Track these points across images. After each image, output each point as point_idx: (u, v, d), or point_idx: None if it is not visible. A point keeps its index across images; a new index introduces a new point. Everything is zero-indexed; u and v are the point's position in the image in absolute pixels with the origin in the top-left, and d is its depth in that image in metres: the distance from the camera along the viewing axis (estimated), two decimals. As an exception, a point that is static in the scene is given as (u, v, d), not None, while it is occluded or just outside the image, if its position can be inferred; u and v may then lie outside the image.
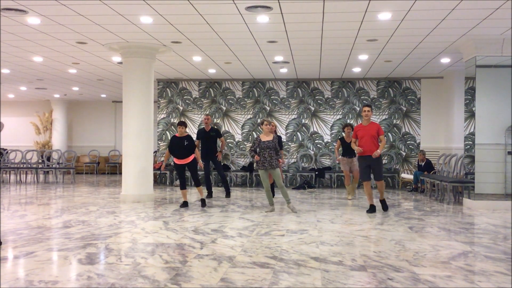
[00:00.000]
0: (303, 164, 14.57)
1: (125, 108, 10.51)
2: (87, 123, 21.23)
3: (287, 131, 14.68)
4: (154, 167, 12.38)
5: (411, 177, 13.31)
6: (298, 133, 14.67)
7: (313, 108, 14.61)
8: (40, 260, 5.02)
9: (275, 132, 10.90)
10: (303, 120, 14.62)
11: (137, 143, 10.28)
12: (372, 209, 8.67)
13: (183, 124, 9.43)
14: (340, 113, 14.53)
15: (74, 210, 8.89)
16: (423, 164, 12.77)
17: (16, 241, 5.96)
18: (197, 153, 9.46)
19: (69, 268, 4.76)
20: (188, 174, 10.53)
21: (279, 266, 4.77)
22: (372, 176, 8.83)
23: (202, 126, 11.51)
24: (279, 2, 7.33)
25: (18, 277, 4.42)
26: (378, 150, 8.46)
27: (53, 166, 16.41)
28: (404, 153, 14.33)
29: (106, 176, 18.33)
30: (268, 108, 14.76)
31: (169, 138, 14.82)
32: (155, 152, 14.35)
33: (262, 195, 11.62)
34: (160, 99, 15.13)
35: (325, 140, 14.52)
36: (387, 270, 4.65)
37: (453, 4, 7.40)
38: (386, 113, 14.39)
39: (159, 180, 14.84)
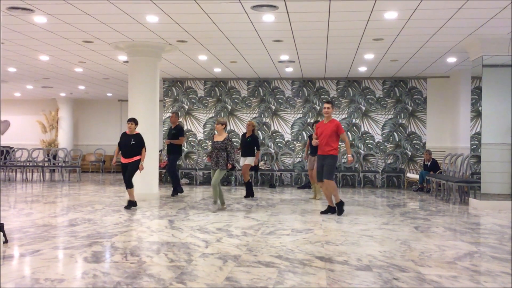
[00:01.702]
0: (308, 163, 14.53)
1: (131, 106, 10.54)
2: (93, 122, 21.29)
3: (293, 130, 14.67)
4: (159, 166, 12.41)
5: (417, 176, 13.27)
6: (303, 132, 14.65)
7: (318, 108, 14.59)
8: (46, 258, 5.04)
9: (253, 131, 11.01)
10: (309, 119, 14.60)
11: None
12: (329, 210, 8.38)
13: (132, 120, 9.09)
14: (346, 112, 14.50)
15: (80, 208, 8.92)
16: (429, 163, 12.73)
17: (22, 239, 5.99)
18: (143, 155, 9.00)
19: (75, 266, 4.78)
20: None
21: (284, 266, 4.77)
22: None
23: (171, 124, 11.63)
24: (285, 1, 7.32)
25: (24, 275, 4.44)
26: (349, 156, 8.19)
27: (59, 164, 16.48)
28: (410, 153, 14.28)
29: (112, 175, 18.38)
30: (273, 107, 14.75)
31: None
32: (160, 151, 14.38)
33: (267, 195, 11.63)
34: (165, 98, 15.15)
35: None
36: (393, 270, 4.64)
37: (460, 4, 7.37)
38: (392, 112, 14.36)
39: (164, 179, 14.86)
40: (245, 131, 11.54)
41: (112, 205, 9.44)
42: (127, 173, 8.97)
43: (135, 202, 9.11)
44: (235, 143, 12.95)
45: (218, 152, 8.67)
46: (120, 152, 9.10)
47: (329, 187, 8.26)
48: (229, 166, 8.64)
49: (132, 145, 8.91)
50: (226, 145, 8.66)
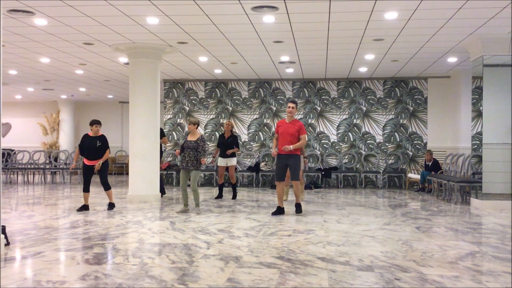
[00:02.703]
0: (309, 164, 14.55)
1: (131, 108, 10.55)
2: (94, 124, 21.26)
3: (294, 131, 14.65)
4: (160, 168, 12.41)
5: (418, 177, 13.26)
6: (304, 133, 14.62)
7: (319, 108, 14.59)
8: (47, 260, 5.04)
9: (231, 131, 10.87)
10: (309, 120, 14.60)
11: (144, 144, 10.30)
12: (279, 211, 8.30)
13: (97, 123, 9.06)
14: (347, 113, 14.50)
15: (81, 210, 8.92)
16: (430, 164, 12.72)
17: (23, 242, 6.00)
18: (107, 155, 8.99)
19: (76, 268, 4.78)
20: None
21: (286, 266, 4.77)
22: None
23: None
24: (285, 2, 7.33)
25: (26, 277, 4.44)
26: (290, 146, 7.99)
27: (60, 166, 16.49)
28: (411, 153, 14.27)
29: (113, 177, 18.39)
30: (274, 108, 14.75)
31: (176, 138, 14.90)
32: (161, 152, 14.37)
33: (268, 196, 11.63)
34: (166, 100, 15.16)
35: (331, 140, 14.49)
36: (394, 270, 4.64)
37: (460, 3, 7.36)
38: (393, 112, 14.35)
39: (165, 181, 14.86)
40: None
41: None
42: (103, 176, 8.97)
43: (114, 204, 9.20)
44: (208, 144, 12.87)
45: (191, 152, 8.50)
46: (82, 155, 9.00)
47: (300, 187, 8.33)
48: (203, 162, 8.56)
49: (98, 147, 8.90)
50: (199, 145, 8.50)
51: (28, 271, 4.69)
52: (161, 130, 11.15)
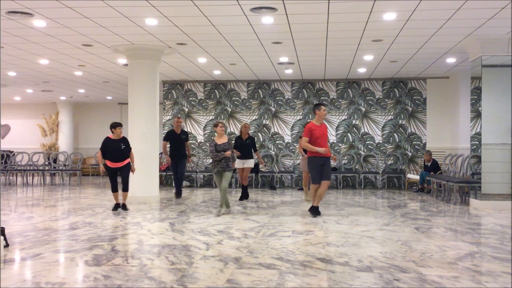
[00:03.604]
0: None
1: (130, 110, 10.55)
2: (93, 125, 21.29)
3: (293, 132, 14.67)
4: (160, 169, 12.41)
5: (417, 177, 13.27)
6: (303, 134, 14.64)
7: (318, 109, 14.58)
8: (47, 261, 5.04)
9: (248, 133, 10.92)
10: (308, 121, 14.59)
11: (143, 145, 10.29)
12: (317, 211, 8.39)
13: (120, 125, 9.10)
14: (346, 113, 14.51)
15: (81, 212, 8.92)
16: (429, 164, 12.73)
17: (23, 243, 5.99)
18: (133, 157, 9.16)
19: (75, 269, 4.78)
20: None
21: (285, 267, 4.77)
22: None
23: (172, 128, 11.61)
24: (283, 3, 7.33)
25: (25, 279, 4.44)
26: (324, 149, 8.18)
27: (60, 168, 16.48)
28: (410, 154, 14.28)
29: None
30: (273, 109, 14.75)
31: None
32: (160, 153, 14.37)
33: (267, 197, 11.63)
34: (165, 101, 15.16)
35: (330, 141, 14.49)
36: (394, 271, 4.64)
37: (459, 4, 7.37)
38: (392, 113, 14.36)
39: (164, 182, 14.86)
40: (249, 132, 11.24)
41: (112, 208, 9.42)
42: (125, 177, 9.06)
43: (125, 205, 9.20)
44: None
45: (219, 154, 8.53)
46: (105, 158, 8.97)
47: (326, 188, 8.33)
48: (234, 165, 8.58)
49: (123, 149, 8.96)
50: (231, 146, 8.59)
51: (28, 273, 4.69)
52: (187, 134, 11.50)
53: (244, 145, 10.73)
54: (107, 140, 9.03)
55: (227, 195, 8.65)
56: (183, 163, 11.43)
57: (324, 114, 8.50)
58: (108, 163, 8.96)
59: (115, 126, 9.05)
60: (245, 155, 10.66)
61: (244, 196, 10.80)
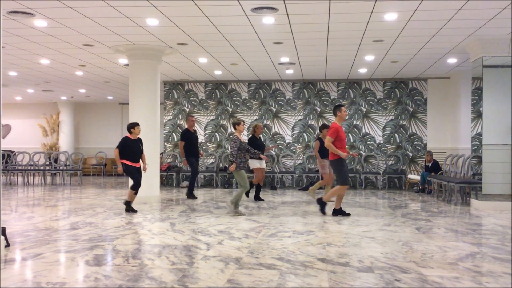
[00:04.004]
0: (309, 165, 14.55)
1: (131, 110, 10.54)
2: (94, 125, 21.31)
3: (293, 132, 14.68)
4: (160, 169, 12.41)
5: (418, 178, 13.26)
6: (304, 134, 14.66)
7: (319, 109, 14.60)
8: (47, 261, 5.04)
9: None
10: (309, 121, 14.61)
11: (144, 145, 10.27)
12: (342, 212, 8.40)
13: (138, 125, 9.07)
14: (347, 114, 14.47)
15: (81, 211, 8.93)
16: (430, 164, 12.72)
17: (23, 243, 5.99)
18: (144, 157, 9.14)
19: (76, 269, 4.78)
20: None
21: (286, 268, 4.77)
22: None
23: (185, 127, 11.57)
24: (284, 3, 7.33)
25: (26, 279, 4.44)
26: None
27: (60, 168, 16.49)
28: (411, 154, 14.27)
29: (113, 178, 18.39)
30: (274, 110, 14.75)
31: (175, 139, 14.88)
32: (161, 153, 14.38)
33: (268, 197, 11.62)
34: (166, 101, 15.16)
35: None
36: (394, 272, 4.64)
37: (460, 4, 7.37)
38: (393, 113, 14.35)
39: (165, 182, 14.86)
40: (249, 132, 11.15)
41: (113, 208, 9.44)
42: (141, 177, 8.99)
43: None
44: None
45: (245, 153, 8.57)
46: (123, 158, 8.87)
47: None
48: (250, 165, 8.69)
49: (141, 150, 9.03)
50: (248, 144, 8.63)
51: (28, 273, 4.69)
52: (196, 136, 11.50)
53: (261, 145, 10.72)
54: (127, 140, 8.96)
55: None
56: (197, 162, 11.42)
57: (346, 115, 8.57)
58: (129, 162, 8.88)
59: (133, 126, 9.00)
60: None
61: (259, 196, 10.78)
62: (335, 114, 8.54)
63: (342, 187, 8.30)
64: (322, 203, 8.48)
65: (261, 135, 11.64)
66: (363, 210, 9.26)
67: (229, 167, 8.47)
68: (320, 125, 11.71)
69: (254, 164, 10.52)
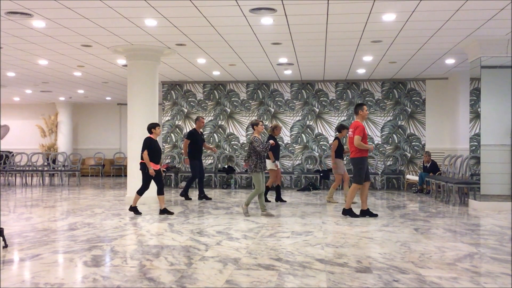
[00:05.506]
0: (307, 165, 14.56)
1: (130, 110, 10.54)
2: (92, 126, 21.29)
3: (292, 132, 14.68)
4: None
5: (416, 178, 13.27)
6: (302, 134, 14.66)
7: (317, 110, 14.61)
8: (46, 262, 5.04)
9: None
10: (308, 122, 14.62)
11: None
12: (368, 213, 8.42)
13: (158, 125, 8.84)
14: (345, 114, 14.51)
15: (80, 212, 8.92)
16: (428, 165, 12.73)
17: (22, 244, 5.99)
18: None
19: (74, 270, 4.78)
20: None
21: (284, 268, 4.77)
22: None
23: (194, 127, 11.51)
24: (283, 4, 7.34)
25: (24, 280, 4.44)
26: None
27: (59, 168, 16.48)
28: (409, 155, 14.29)
29: (111, 179, 18.37)
30: (272, 110, 14.76)
31: (174, 140, 14.88)
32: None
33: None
34: (164, 101, 15.16)
35: (329, 142, 14.49)
36: (393, 272, 4.64)
37: (458, 5, 7.38)
38: (391, 114, 14.37)
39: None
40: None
41: (111, 209, 9.43)
42: (161, 180, 8.79)
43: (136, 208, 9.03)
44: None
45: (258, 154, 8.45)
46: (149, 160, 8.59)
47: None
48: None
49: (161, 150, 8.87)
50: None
51: (27, 274, 4.68)
52: (202, 136, 11.47)
53: (278, 146, 10.57)
54: (151, 141, 8.64)
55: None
56: (201, 166, 11.31)
57: (367, 114, 8.56)
58: (153, 165, 8.60)
59: (154, 126, 8.73)
60: (279, 156, 10.59)
61: (280, 198, 10.72)
62: (356, 113, 8.51)
63: (356, 186, 8.34)
64: (347, 211, 8.41)
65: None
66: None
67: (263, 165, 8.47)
68: (338, 125, 11.47)
69: (272, 165, 10.28)
